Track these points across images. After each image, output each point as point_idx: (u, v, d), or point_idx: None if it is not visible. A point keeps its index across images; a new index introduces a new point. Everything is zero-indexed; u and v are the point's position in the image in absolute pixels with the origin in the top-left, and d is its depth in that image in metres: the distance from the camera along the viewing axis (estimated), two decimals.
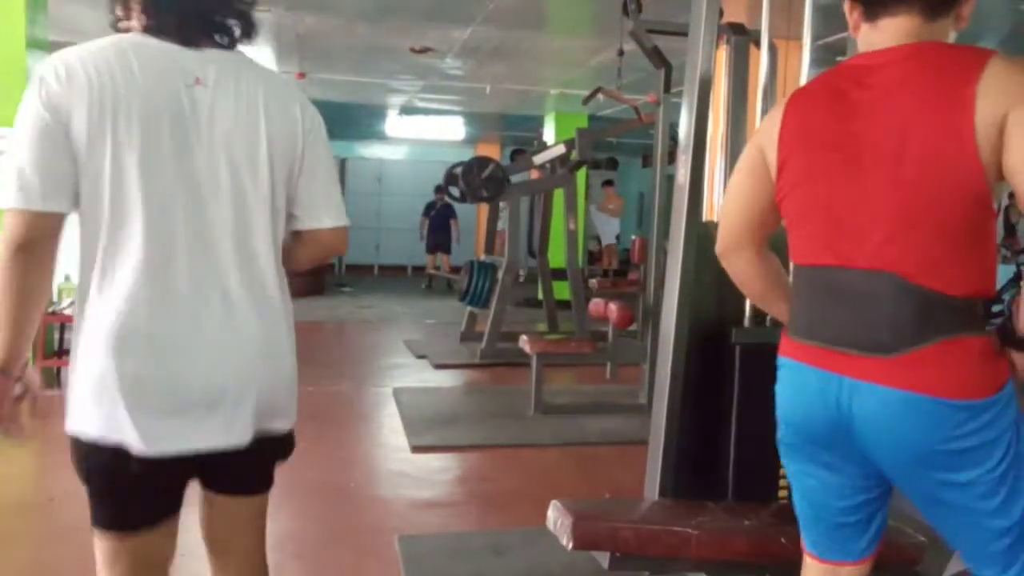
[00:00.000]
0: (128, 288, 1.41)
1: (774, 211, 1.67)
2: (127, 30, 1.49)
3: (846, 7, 1.59)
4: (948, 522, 1.54)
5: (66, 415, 1.47)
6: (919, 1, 1.49)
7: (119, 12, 1.51)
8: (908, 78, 1.45)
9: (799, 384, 1.58)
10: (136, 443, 1.41)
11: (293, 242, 1.65)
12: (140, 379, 1.41)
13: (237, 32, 1.53)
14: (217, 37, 1.50)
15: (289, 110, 1.57)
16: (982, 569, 1.54)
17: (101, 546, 1.52)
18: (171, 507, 1.55)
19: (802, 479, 1.66)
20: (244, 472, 1.62)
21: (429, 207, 13.57)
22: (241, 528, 1.68)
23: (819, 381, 1.53)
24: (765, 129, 1.66)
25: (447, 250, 13.55)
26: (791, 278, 1.72)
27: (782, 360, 1.63)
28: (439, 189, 12.91)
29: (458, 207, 12.55)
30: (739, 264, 1.78)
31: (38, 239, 1.39)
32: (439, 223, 13.50)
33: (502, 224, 14.35)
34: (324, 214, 1.64)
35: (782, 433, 1.66)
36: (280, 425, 1.61)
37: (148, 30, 1.46)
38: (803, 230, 1.59)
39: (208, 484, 1.62)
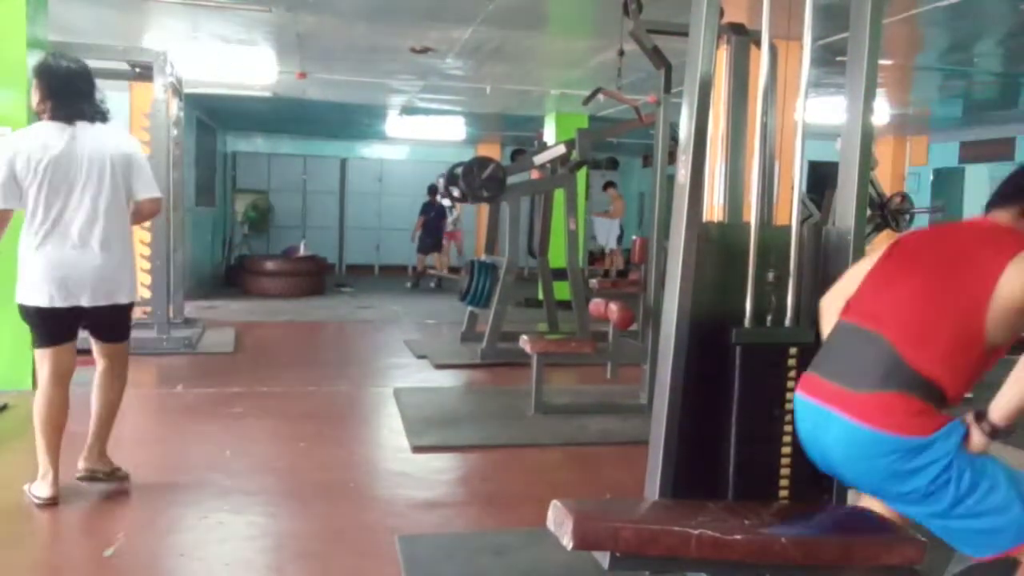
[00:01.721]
0: (47, 241, 3.22)
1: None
2: (42, 117, 3.33)
3: None
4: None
5: (18, 292, 3.27)
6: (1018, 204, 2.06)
7: (39, 108, 3.32)
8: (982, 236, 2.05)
9: (798, 411, 2.16)
10: (60, 304, 3.23)
11: (133, 209, 3.47)
12: (56, 279, 3.22)
13: (98, 119, 3.36)
14: (86, 118, 3.31)
15: (122, 146, 3.40)
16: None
17: (39, 355, 3.35)
18: (71, 334, 3.37)
19: None
20: (107, 326, 3.44)
21: (427, 207, 13.57)
22: (111, 358, 3.52)
23: (806, 408, 2.10)
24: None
25: (440, 249, 13.63)
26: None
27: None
28: (433, 189, 12.91)
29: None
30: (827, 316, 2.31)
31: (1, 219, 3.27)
32: (436, 223, 13.52)
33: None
34: (143, 192, 3.44)
35: None
36: (122, 299, 3.38)
37: (51, 118, 3.29)
38: (857, 300, 2.14)
39: (93, 335, 3.47)
